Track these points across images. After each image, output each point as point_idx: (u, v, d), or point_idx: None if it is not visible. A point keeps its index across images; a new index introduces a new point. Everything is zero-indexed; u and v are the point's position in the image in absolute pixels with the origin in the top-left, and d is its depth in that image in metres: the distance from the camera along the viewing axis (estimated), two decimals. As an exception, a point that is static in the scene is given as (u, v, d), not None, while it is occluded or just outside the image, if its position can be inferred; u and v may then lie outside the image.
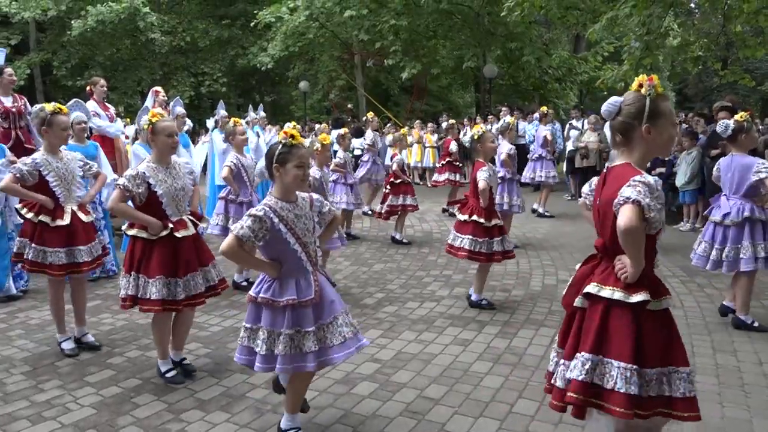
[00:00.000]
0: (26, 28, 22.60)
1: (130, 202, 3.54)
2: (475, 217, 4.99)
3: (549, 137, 9.99)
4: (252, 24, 20.59)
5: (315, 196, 3.00)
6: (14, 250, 4.20)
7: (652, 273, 2.27)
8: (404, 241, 7.90)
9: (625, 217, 2.07)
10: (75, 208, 4.14)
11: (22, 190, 4.02)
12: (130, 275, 3.53)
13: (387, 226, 8.99)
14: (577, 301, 2.33)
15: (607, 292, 2.21)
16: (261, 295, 2.79)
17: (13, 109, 6.24)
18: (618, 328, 2.17)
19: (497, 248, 5.00)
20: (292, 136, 2.80)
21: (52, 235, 4.01)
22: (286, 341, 2.71)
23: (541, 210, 9.98)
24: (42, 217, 4.03)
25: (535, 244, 7.73)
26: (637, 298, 2.16)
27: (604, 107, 2.31)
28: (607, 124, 2.35)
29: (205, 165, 8.90)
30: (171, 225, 3.54)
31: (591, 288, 2.26)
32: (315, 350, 2.74)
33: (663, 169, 9.06)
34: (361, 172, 9.61)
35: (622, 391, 2.09)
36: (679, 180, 8.77)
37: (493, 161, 5.58)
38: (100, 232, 5.00)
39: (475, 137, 5.13)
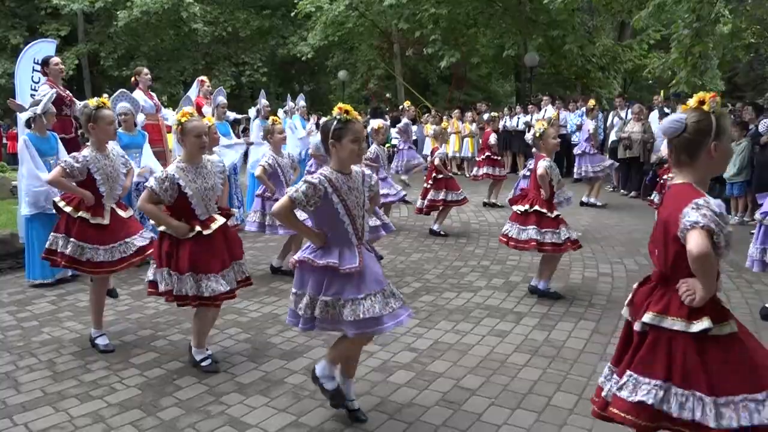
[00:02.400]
0: (74, 19, 23.29)
1: None
2: (537, 208, 5.02)
3: (591, 130, 9.79)
4: (292, 14, 20.73)
5: (367, 171, 3.06)
6: (46, 246, 4.10)
7: (716, 296, 2.16)
8: (442, 233, 7.84)
9: (695, 243, 1.99)
10: (114, 205, 4.14)
11: (68, 184, 4.02)
12: (163, 270, 3.55)
13: (425, 216, 8.97)
14: (637, 326, 2.25)
15: (668, 322, 2.15)
16: (303, 255, 2.89)
17: (68, 98, 6.46)
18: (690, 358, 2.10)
19: (564, 237, 4.98)
20: (347, 112, 2.86)
21: (91, 231, 3.99)
22: (322, 306, 2.80)
23: (593, 200, 9.76)
24: (82, 213, 4.00)
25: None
26: (698, 327, 2.09)
27: (667, 124, 2.24)
28: (665, 141, 2.30)
29: (245, 154, 9.02)
30: (198, 228, 3.53)
31: (648, 318, 2.19)
32: (352, 320, 2.76)
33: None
34: (397, 161, 9.56)
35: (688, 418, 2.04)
36: (728, 171, 8.49)
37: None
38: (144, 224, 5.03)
39: (537, 134, 5.14)
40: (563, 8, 15.69)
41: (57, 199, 4.18)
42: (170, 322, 4.62)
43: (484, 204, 10.00)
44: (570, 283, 5.59)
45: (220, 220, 3.63)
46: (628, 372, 2.20)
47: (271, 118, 6.19)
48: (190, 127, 3.55)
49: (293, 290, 2.98)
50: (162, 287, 3.55)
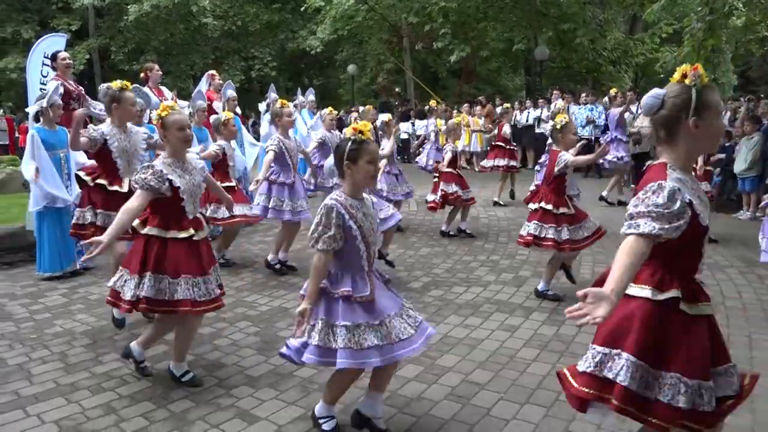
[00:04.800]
0: (85, 13, 23.39)
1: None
2: (542, 204, 4.93)
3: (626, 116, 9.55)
4: (302, 8, 20.72)
5: (374, 198, 3.00)
6: (73, 222, 4.31)
7: (693, 280, 2.08)
8: (452, 233, 7.59)
9: (625, 246, 1.90)
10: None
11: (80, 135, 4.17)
12: (144, 276, 3.22)
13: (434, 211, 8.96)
14: None
15: (634, 290, 2.03)
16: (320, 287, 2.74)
17: (77, 92, 6.49)
18: (638, 320, 2.01)
19: (565, 237, 4.82)
20: (361, 132, 2.73)
21: (111, 199, 4.13)
22: (344, 333, 2.64)
23: (604, 194, 9.53)
24: (99, 180, 4.17)
25: (585, 231, 7.56)
26: (666, 295, 2.00)
27: (645, 100, 2.13)
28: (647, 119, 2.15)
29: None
30: (192, 230, 3.35)
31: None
32: (376, 345, 2.63)
33: (722, 155, 8.71)
34: (423, 159, 9.45)
35: (623, 384, 1.97)
36: (739, 166, 8.41)
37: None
38: None
39: (557, 127, 4.99)
40: (574, 1, 15.59)
41: (80, 171, 4.37)
42: (180, 315, 4.64)
43: (494, 203, 9.79)
44: (580, 277, 5.57)
45: (206, 230, 3.48)
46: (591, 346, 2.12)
47: (279, 101, 6.18)
48: (171, 121, 3.32)
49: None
50: (136, 293, 3.21)
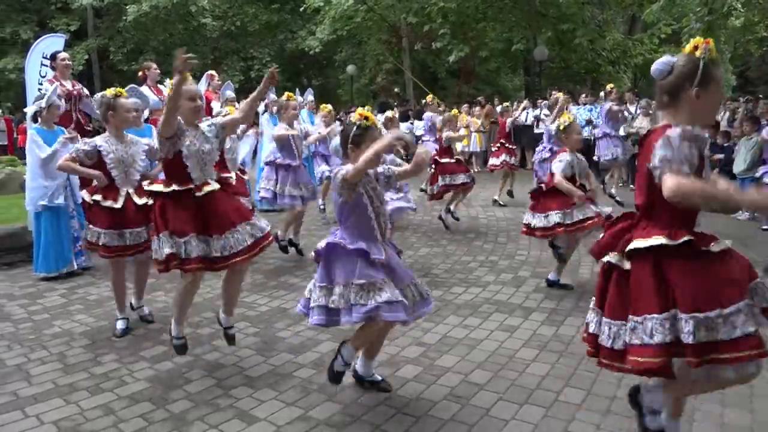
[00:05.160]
0: (84, 14, 23.39)
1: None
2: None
3: (614, 109, 9.55)
4: (301, 8, 20.71)
5: (379, 169, 3.10)
6: (85, 238, 4.32)
7: (693, 232, 2.19)
8: (455, 215, 7.82)
9: (666, 188, 2.01)
10: (131, 191, 4.20)
11: (78, 168, 4.16)
12: (162, 235, 3.38)
13: (433, 210, 8.97)
14: (614, 258, 2.27)
15: (652, 241, 2.15)
16: (333, 240, 2.95)
17: (75, 92, 6.48)
18: (678, 279, 2.12)
19: (553, 222, 4.94)
20: (366, 118, 2.96)
21: (102, 215, 4.09)
22: (357, 290, 2.82)
23: (613, 191, 9.41)
24: (95, 197, 4.14)
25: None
26: (682, 239, 2.12)
27: (656, 65, 2.25)
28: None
29: (254, 152, 9.02)
30: (192, 186, 3.47)
31: (637, 243, 2.19)
32: (387, 300, 2.79)
33: (721, 156, 8.72)
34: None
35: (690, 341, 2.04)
36: (738, 167, 8.42)
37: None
38: None
39: (561, 128, 5.03)
40: (573, 2, 15.60)
41: (83, 192, 4.35)
42: (179, 316, 4.64)
43: (494, 202, 9.83)
44: (579, 277, 5.57)
45: (213, 185, 3.53)
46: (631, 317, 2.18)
47: (285, 93, 6.27)
48: (183, 90, 3.38)
49: (318, 284, 2.97)
50: (161, 253, 3.36)
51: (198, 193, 3.46)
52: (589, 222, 4.88)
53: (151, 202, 4.00)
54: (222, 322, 3.83)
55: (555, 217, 4.96)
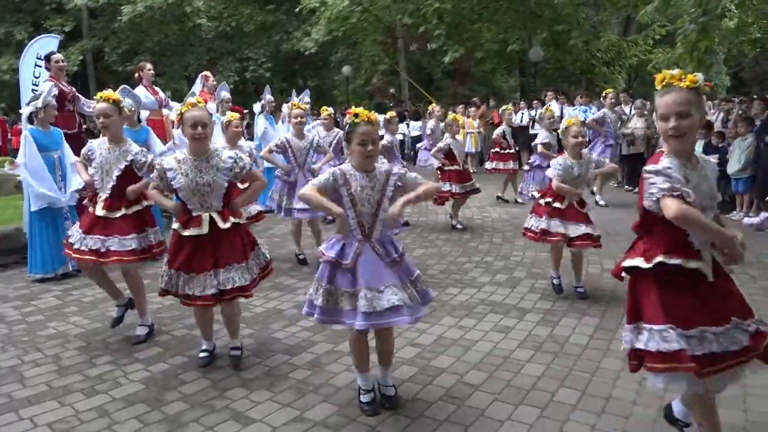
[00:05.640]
0: (79, 14, 23.31)
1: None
2: (542, 199, 5.12)
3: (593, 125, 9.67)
4: (296, 9, 20.70)
5: (395, 170, 3.09)
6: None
7: (683, 242, 2.33)
8: (459, 226, 7.89)
9: (667, 211, 2.19)
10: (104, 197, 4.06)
11: (81, 168, 4.34)
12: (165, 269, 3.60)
13: (428, 211, 8.98)
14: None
15: (628, 262, 2.41)
16: (321, 248, 3.12)
17: (71, 93, 6.47)
18: (643, 292, 2.36)
19: (553, 229, 4.91)
20: (356, 115, 2.98)
21: (86, 220, 4.08)
22: (324, 294, 2.99)
23: (596, 194, 9.50)
24: (86, 201, 4.18)
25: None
26: (655, 261, 2.30)
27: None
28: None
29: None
30: (176, 225, 3.52)
31: (625, 263, 2.44)
32: (349, 309, 2.93)
33: (716, 156, 8.73)
34: (423, 156, 9.64)
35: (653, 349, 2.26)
36: (732, 167, 8.44)
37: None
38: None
39: (560, 130, 5.11)
40: (568, 3, 15.63)
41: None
42: (174, 318, 4.63)
43: (498, 198, 9.97)
44: (574, 278, 5.58)
45: (203, 228, 3.47)
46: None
47: (291, 102, 6.35)
48: (186, 117, 3.47)
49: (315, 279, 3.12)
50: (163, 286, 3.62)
51: (184, 233, 3.48)
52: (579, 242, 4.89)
53: (120, 213, 4.03)
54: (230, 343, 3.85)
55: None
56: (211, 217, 3.50)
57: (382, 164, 3.14)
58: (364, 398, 3.16)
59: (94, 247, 3.94)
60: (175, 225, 3.56)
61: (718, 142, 9.05)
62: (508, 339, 4.14)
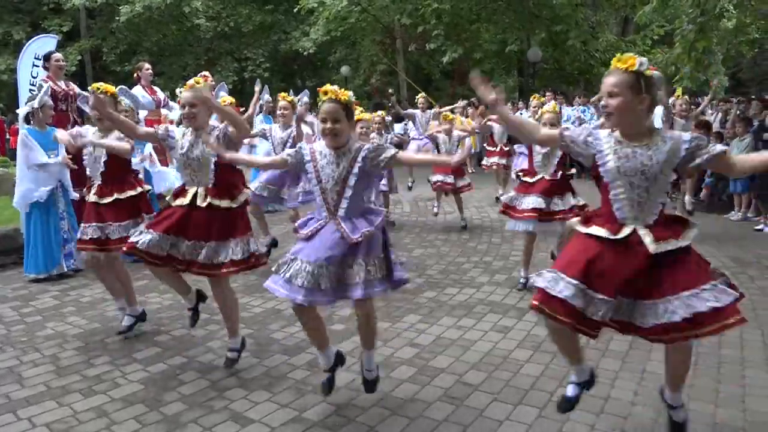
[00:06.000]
0: (77, 15, 23.30)
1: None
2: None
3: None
4: (295, 9, 20.69)
5: (369, 146, 3.00)
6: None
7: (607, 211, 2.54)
8: (463, 224, 7.91)
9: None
10: (97, 183, 4.24)
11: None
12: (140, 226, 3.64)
13: (427, 212, 8.98)
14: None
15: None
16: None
17: (71, 92, 6.45)
18: None
19: (523, 205, 5.07)
20: (325, 93, 2.97)
21: (85, 208, 4.20)
22: (286, 264, 2.94)
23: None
24: (84, 190, 4.30)
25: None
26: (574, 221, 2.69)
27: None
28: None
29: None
30: (182, 198, 3.55)
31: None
32: (301, 285, 2.81)
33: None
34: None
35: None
36: (731, 168, 8.45)
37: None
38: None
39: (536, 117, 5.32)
40: (566, 3, 15.64)
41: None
42: (173, 318, 4.63)
43: (497, 199, 9.94)
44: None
45: (186, 199, 3.52)
46: None
47: (279, 95, 6.32)
48: (182, 97, 3.56)
49: None
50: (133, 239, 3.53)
51: (173, 202, 3.56)
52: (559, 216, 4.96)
53: (112, 198, 4.14)
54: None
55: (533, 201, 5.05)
56: (195, 193, 3.54)
57: (366, 142, 3.15)
58: (322, 378, 3.16)
59: (94, 236, 4.09)
60: (169, 199, 3.71)
61: (716, 143, 9.07)
62: (507, 339, 4.13)
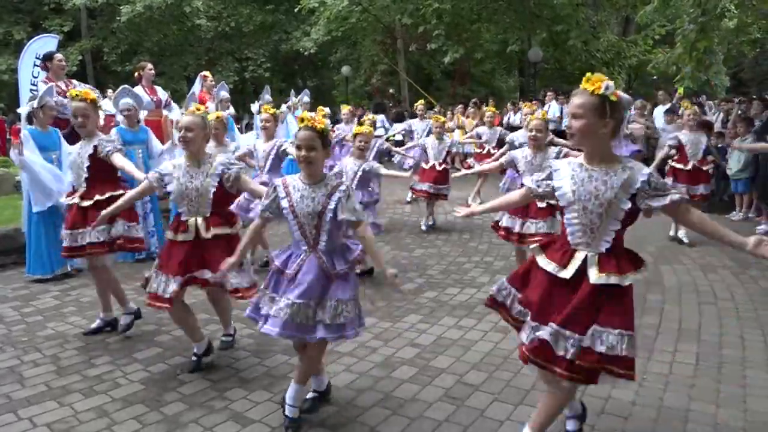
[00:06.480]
0: (78, 14, 23.31)
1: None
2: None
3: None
4: (296, 9, 20.69)
5: (342, 187, 2.90)
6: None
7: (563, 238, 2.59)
8: (423, 227, 7.89)
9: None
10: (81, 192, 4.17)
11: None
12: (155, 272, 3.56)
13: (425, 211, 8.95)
14: None
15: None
16: (273, 254, 3.11)
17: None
18: None
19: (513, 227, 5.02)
20: (302, 120, 2.89)
21: (70, 217, 4.16)
22: (266, 301, 2.94)
23: None
24: (66, 197, 4.31)
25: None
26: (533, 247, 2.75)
27: None
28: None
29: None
30: (178, 234, 3.51)
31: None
32: (273, 316, 2.84)
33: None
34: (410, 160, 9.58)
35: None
36: (732, 168, 8.44)
37: None
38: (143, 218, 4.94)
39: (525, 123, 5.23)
40: (567, 3, 15.62)
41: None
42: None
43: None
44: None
45: (189, 234, 3.47)
46: None
47: (262, 107, 6.19)
48: (180, 122, 3.53)
49: None
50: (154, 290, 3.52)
51: (172, 237, 3.53)
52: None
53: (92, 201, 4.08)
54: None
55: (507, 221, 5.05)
56: (196, 223, 3.49)
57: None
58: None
59: (72, 243, 4.08)
60: (168, 233, 3.59)
61: (717, 143, 9.05)
62: (507, 339, 4.13)
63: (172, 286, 3.40)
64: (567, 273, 2.47)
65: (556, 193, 2.53)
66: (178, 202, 3.51)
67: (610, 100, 2.37)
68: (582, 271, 2.44)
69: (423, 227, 7.90)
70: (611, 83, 2.40)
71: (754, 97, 11.75)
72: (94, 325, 4.34)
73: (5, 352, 4.00)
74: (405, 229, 8.02)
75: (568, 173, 2.50)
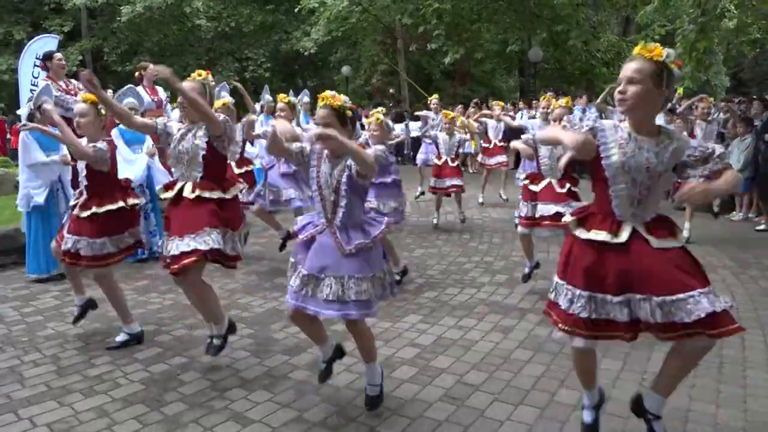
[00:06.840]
0: (78, 14, 23.32)
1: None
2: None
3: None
4: (296, 9, 20.71)
5: (350, 162, 2.95)
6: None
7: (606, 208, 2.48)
8: (434, 221, 8.02)
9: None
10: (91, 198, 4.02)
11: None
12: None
13: (428, 212, 8.97)
14: None
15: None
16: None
17: (72, 92, 6.44)
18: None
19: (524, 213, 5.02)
20: (322, 98, 2.97)
21: (70, 221, 4.12)
22: (292, 271, 3.00)
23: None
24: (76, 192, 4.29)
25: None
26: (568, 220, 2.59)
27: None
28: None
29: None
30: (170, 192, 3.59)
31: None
32: (292, 287, 2.90)
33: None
34: (422, 156, 9.77)
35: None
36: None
37: None
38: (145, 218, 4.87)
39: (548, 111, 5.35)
40: (567, 3, 15.63)
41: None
42: (174, 318, 4.63)
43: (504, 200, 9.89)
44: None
45: (174, 192, 3.53)
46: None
47: (279, 96, 6.24)
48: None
49: None
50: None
51: (162, 195, 3.62)
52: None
53: (90, 212, 3.92)
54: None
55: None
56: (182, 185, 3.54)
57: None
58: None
59: (67, 247, 3.94)
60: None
61: (717, 143, 9.05)
62: (508, 339, 4.13)
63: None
64: (622, 237, 2.37)
65: (603, 162, 2.38)
66: (175, 165, 3.61)
67: (669, 68, 2.30)
68: (636, 241, 2.37)
69: (434, 221, 8.03)
70: (672, 51, 2.32)
71: (754, 97, 11.76)
72: (119, 338, 4.08)
73: (5, 352, 4.00)
74: (405, 229, 8.01)
75: (615, 141, 2.37)
